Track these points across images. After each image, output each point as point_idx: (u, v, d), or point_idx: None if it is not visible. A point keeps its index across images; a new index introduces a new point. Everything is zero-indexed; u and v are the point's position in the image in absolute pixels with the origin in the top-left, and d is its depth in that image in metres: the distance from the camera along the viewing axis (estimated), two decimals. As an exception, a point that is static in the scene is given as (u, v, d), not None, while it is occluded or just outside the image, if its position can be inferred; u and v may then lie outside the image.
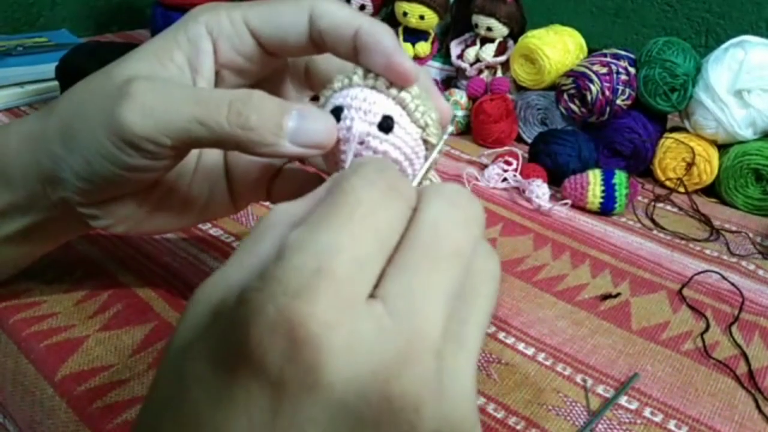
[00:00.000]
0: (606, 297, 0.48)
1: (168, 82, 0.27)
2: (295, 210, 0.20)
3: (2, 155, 0.31)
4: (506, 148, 0.70)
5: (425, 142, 0.26)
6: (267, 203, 0.48)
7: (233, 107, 0.25)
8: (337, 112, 0.25)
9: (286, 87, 0.35)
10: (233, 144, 0.26)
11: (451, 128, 0.27)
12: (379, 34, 0.26)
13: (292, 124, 0.25)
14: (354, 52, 0.27)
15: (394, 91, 0.25)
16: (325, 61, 0.33)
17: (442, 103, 0.28)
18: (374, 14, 0.80)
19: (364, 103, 0.25)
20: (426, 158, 0.26)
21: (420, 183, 0.25)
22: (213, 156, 0.34)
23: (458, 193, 0.20)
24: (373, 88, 0.25)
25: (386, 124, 0.25)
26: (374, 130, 0.25)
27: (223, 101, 0.25)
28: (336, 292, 0.16)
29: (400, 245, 0.18)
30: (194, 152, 0.33)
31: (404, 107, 0.26)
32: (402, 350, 0.16)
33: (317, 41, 0.28)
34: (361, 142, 0.25)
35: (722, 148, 0.66)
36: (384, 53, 0.25)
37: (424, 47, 0.77)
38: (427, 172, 0.26)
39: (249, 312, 0.16)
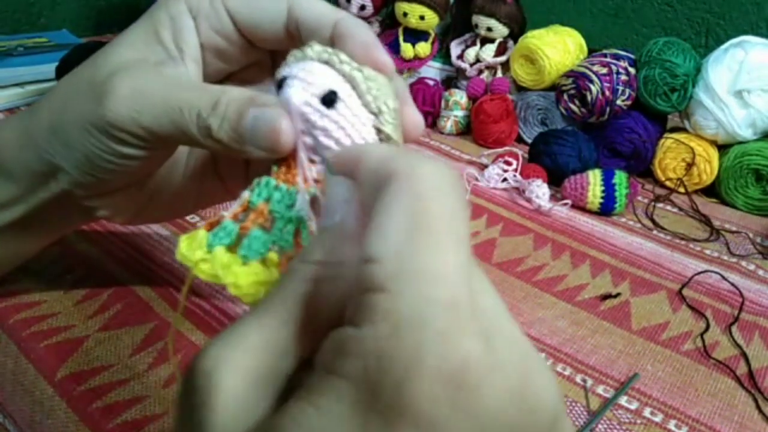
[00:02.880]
0: (606, 297, 0.48)
1: (147, 77, 0.27)
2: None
3: (2, 148, 0.31)
4: (506, 148, 0.70)
5: (379, 131, 0.24)
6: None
7: (201, 116, 0.25)
8: (280, 84, 0.23)
9: (270, 74, 0.34)
10: (207, 148, 0.26)
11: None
12: (358, 27, 0.26)
13: (248, 127, 0.24)
14: (330, 44, 0.27)
15: (346, 68, 0.23)
16: None
17: (412, 111, 0.26)
18: (374, 14, 0.80)
19: (309, 74, 0.23)
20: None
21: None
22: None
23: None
24: (325, 63, 0.24)
25: (328, 98, 0.23)
26: (315, 101, 0.23)
27: (193, 108, 0.25)
28: (473, 325, 0.15)
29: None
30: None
31: (354, 87, 0.23)
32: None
33: (293, 32, 0.28)
34: (306, 120, 0.23)
35: (722, 148, 0.66)
36: (363, 44, 0.25)
37: (424, 47, 0.77)
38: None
39: (403, 367, 0.15)
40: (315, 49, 0.24)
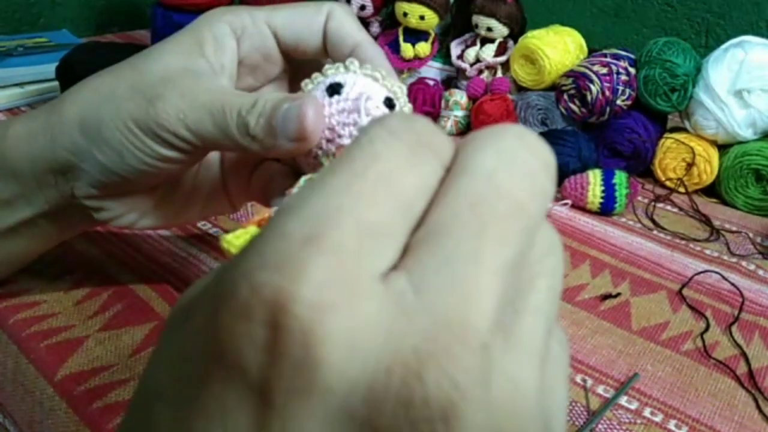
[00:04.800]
0: (606, 297, 0.48)
1: (195, 86, 0.28)
2: None
3: (10, 147, 0.31)
4: (506, 148, 0.70)
5: None
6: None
7: (240, 114, 0.27)
8: (336, 87, 0.26)
9: (287, 89, 0.36)
10: (244, 149, 0.28)
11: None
12: (377, 54, 0.30)
13: (280, 119, 0.26)
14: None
15: (387, 83, 0.27)
16: None
17: None
18: (374, 14, 0.80)
19: (365, 86, 0.26)
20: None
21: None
22: (214, 154, 0.35)
23: (521, 135, 0.15)
24: (368, 76, 0.27)
25: (389, 103, 0.26)
26: (381, 105, 0.26)
27: (234, 108, 0.27)
28: (333, 265, 0.12)
29: (434, 204, 0.14)
30: None
31: (397, 99, 0.27)
32: (430, 338, 0.12)
33: (326, 43, 0.31)
34: (330, 139, 0.26)
35: (722, 148, 0.66)
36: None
37: (424, 47, 0.77)
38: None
39: (219, 296, 0.12)
40: (356, 64, 0.27)
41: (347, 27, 0.30)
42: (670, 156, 0.67)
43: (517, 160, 0.14)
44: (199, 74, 0.29)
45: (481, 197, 0.13)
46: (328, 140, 0.26)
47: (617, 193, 0.59)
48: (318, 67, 0.28)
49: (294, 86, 0.35)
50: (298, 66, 0.34)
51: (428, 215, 0.14)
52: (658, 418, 0.38)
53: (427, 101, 0.75)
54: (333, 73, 0.27)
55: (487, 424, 0.12)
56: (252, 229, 0.22)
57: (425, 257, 0.13)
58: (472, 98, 0.75)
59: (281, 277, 0.12)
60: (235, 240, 0.21)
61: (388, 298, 0.12)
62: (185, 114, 0.27)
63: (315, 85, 0.27)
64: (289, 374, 0.12)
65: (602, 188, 0.59)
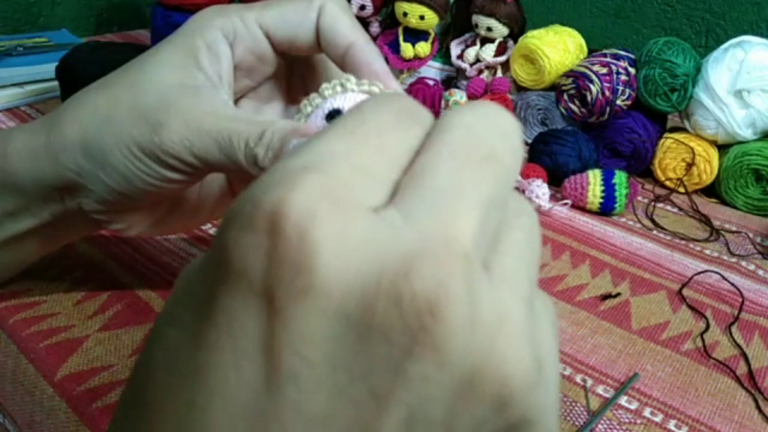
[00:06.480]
0: (606, 297, 0.48)
1: (196, 108, 0.28)
2: None
3: (12, 164, 0.31)
4: (506, 148, 0.70)
5: None
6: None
7: (248, 145, 0.26)
8: (334, 115, 0.25)
9: (284, 85, 0.35)
10: (251, 174, 0.27)
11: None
12: (372, 55, 0.28)
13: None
14: (340, 61, 0.29)
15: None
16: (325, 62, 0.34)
17: None
18: (374, 14, 0.80)
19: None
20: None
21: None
22: None
23: (493, 105, 0.16)
24: (368, 93, 0.26)
25: None
26: None
27: (242, 138, 0.27)
28: (326, 184, 0.13)
29: (417, 155, 0.15)
30: None
31: None
32: (417, 248, 0.13)
33: (320, 39, 0.30)
34: None
35: (722, 148, 0.66)
36: (374, 74, 0.28)
37: (424, 47, 0.77)
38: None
39: (226, 220, 0.13)
40: (353, 81, 0.26)
41: (340, 25, 0.29)
42: (670, 156, 0.67)
43: (492, 119, 0.16)
44: (198, 91, 0.28)
45: (460, 143, 0.15)
46: None
47: (617, 193, 0.59)
48: (313, 62, 0.27)
49: (291, 81, 0.35)
50: (294, 60, 0.34)
51: (412, 164, 0.15)
52: (658, 418, 0.38)
53: (427, 101, 0.75)
54: (330, 94, 0.26)
55: (472, 332, 0.13)
56: None
57: (410, 192, 0.14)
58: (472, 98, 0.75)
59: (279, 190, 0.13)
60: None
61: (378, 219, 0.13)
62: (191, 142, 0.27)
63: (314, 109, 0.27)
64: (288, 277, 0.13)
65: (602, 188, 0.59)
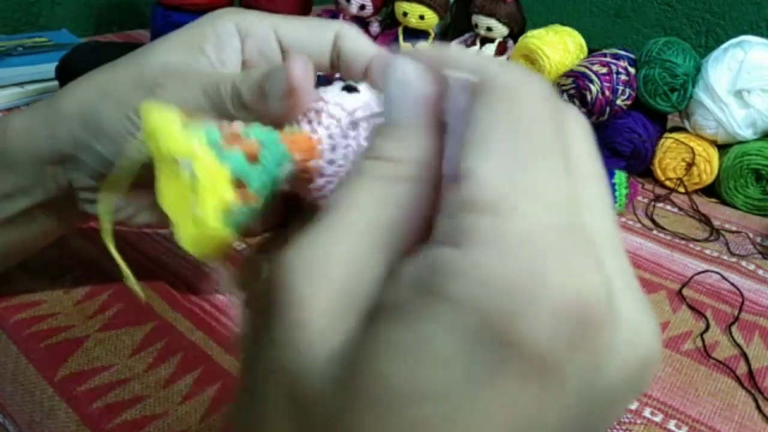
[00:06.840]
0: (606, 297, 0.48)
1: (193, 73, 0.29)
2: None
3: (10, 142, 0.32)
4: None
5: None
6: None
7: (234, 86, 0.27)
8: (351, 88, 0.25)
9: None
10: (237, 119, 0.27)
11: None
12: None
13: (270, 81, 0.25)
14: (361, 74, 0.30)
15: None
16: None
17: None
18: (374, 14, 0.80)
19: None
20: None
21: None
22: None
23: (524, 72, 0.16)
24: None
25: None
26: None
27: (228, 81, 0.27)
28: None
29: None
30: None
31: None
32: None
33: (333, 62, 0.31)
34: (345, 131, 0.24)
35: (722, 148, 0.66)
36: None
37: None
38: None
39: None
40: (365, 84, 0.26)
41: (362, 46, 0.30)
42: (670, 156, 0.67)
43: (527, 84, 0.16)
44: (198, 67, 0.29)
45: (506, 110, 0.15)
46: (344, 134, 0.25)
47: (617, 193, 0.59)
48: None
49: None
50: None
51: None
52: (658, 418, 0.38)
53: (427, 101, 0.75)
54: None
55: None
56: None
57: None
58: (472, 98, 0.75)
59: (581, 278, 0.13)
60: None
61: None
62: (185, 100, 0.28)
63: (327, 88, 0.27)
64: (570, 354, 0.13)
65: (602, 188, 0.59)
